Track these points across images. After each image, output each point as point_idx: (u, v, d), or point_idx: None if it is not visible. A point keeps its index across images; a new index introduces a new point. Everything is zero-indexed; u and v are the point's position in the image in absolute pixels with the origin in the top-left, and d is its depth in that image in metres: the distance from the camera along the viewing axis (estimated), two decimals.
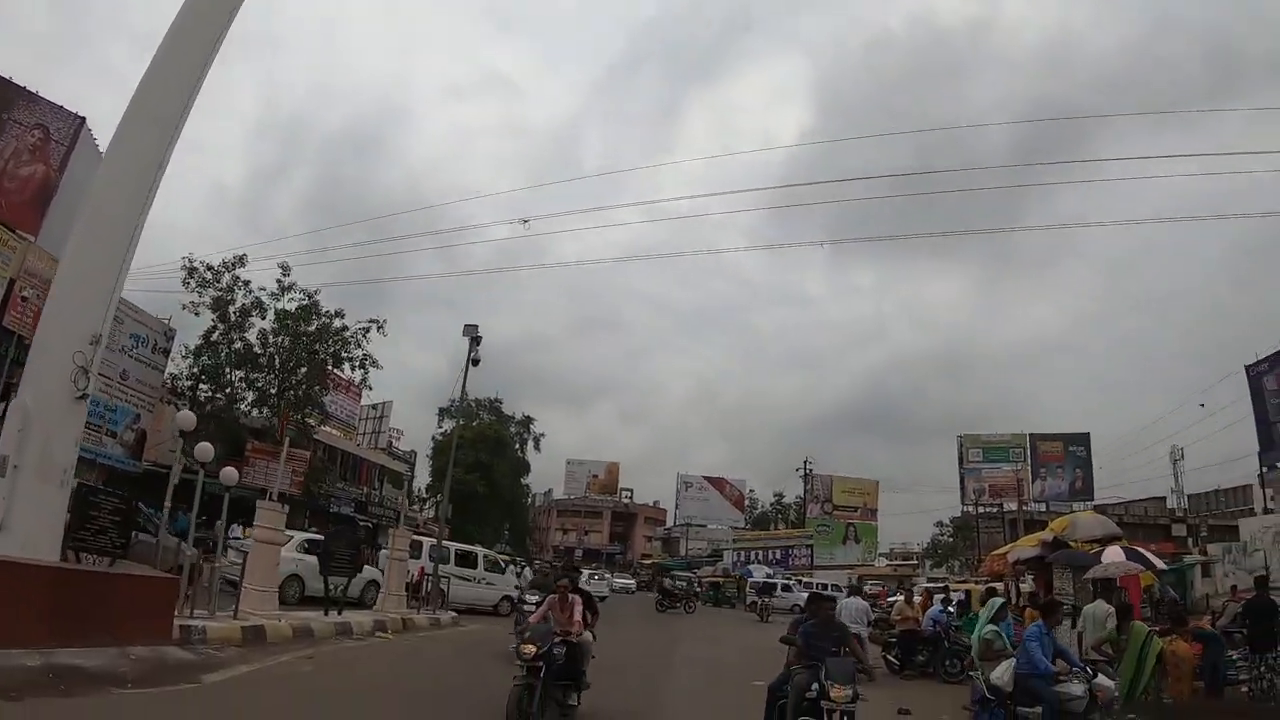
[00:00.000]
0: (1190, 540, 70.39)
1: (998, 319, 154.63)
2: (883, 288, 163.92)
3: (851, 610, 16.08)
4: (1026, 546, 21.66)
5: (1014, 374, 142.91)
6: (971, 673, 10.05)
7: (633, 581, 61.41)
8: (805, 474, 66.35)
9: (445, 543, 26.28)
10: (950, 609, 19.86)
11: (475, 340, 24.83)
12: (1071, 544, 19.06)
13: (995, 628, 9.96)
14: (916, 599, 19.92)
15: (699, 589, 47.84)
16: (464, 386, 25.43)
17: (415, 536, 26.11)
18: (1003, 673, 8.77)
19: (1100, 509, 68.94)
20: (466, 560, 25.78)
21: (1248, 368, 44.13)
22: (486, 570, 25.99)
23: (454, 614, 21.88)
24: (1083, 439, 68.69)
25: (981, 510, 62.32)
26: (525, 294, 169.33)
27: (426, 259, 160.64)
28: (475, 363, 24.72)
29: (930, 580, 60.11)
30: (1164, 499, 77.18)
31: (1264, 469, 43.06)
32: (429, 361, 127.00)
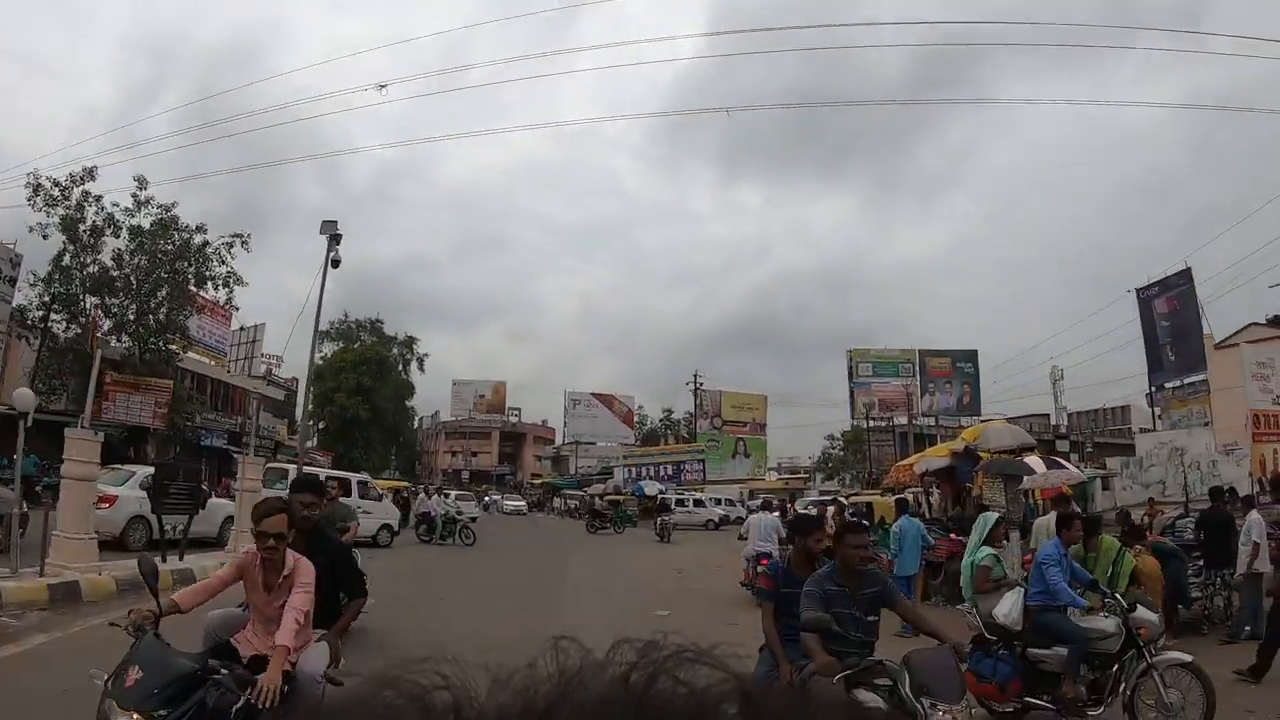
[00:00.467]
0: (1075, 456, 73.82)
1: (884, 240, 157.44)
2: (770, 207, 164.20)
3: (763, 528, 14.71)
4: (935, 457, 20.87)
5: (899, 294, 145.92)
6: (963, 608, 8.18)
7: (524, 502, 60.22)
8: (695, 388, 65.16)
9: (314, 470, 23.79)
10: (865, 523, 18.58)
11: (335, 239, 21.67)
12: (984, 454, 18.14)
13: (992, 551, 7.95)
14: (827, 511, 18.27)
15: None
16: (322, 288, 22.17)
17: (277, 465, 23.55)
18: (1009, 608, 7.04)
19: (986, 422, 71.16)
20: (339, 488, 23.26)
21: (1138, 290, 45.22)
22: (362, 498, 23.62)
23: None
24: (970, 356, 70.06)
25: (872, 424, 62.84)
26: (411, 216, 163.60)
27: (306, 181, 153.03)
28: (335, 264, 21.68)
29: (822, 493, 60.93)
30: (1047, 416, 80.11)
31: (1153, 388, 44.70)
32: (308, 284, 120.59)
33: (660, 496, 42.77)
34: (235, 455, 31.63)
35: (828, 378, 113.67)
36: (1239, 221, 58.71)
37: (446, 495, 27.84)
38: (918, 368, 68.64)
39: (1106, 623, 6.80)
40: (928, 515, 19.49)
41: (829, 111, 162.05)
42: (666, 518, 33.39)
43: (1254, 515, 11.30)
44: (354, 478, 24.67)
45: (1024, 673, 6.82)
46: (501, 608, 12.78)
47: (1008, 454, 17.90)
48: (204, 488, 19.59)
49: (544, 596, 14.62)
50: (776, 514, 16.94)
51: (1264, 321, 33.99)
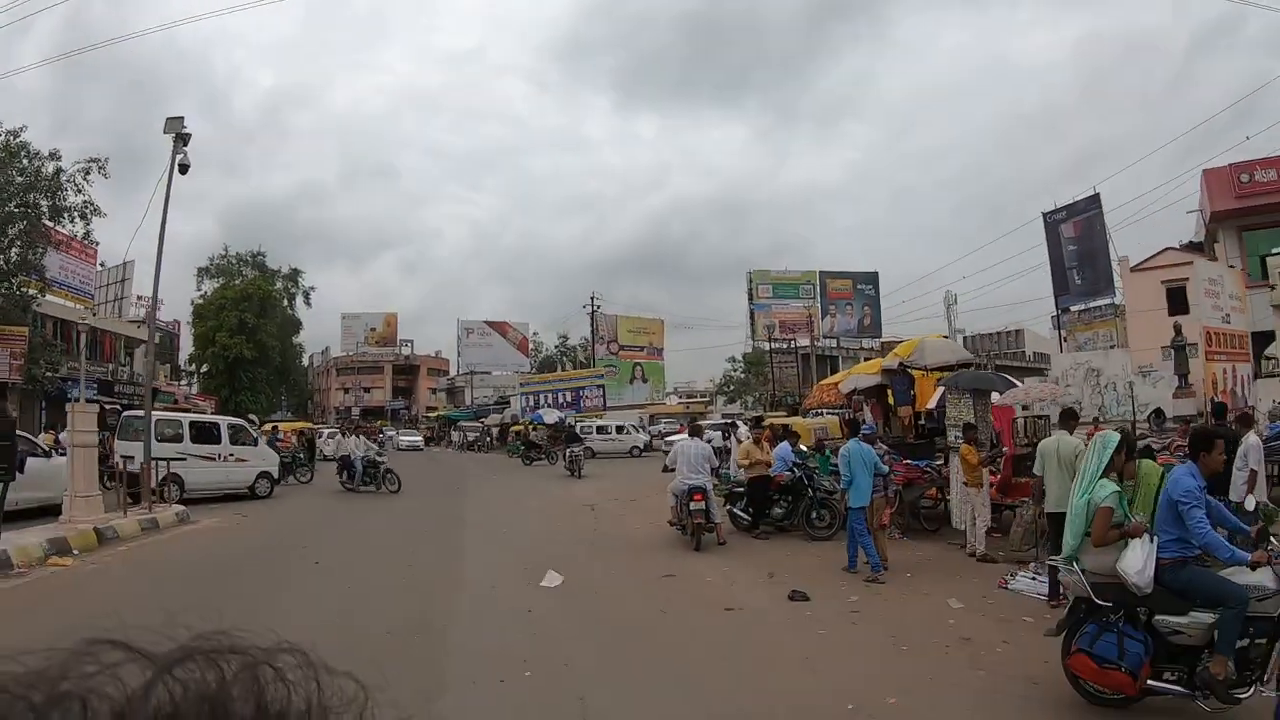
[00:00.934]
0: None
1: (781, 167, 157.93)
2: (666, 134, 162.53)
3: (693, 458, 13.04)
4: (865, 374, 19.68)
5: (795, 220, 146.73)
6: (1057, 562, 6.15)
7: (420, 437, 57.98)
8: (592, 310, 62.92)
9: (172, 415, 21.40)
10: (804, 447, 17.06)
11: (181, 138, 18.17)
12: (918, 370, 17.15)
13: (1115, 487, 5.71)
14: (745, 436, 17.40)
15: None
16: (168, 195, 18.51)
17: (135, 413, 20.92)
18: (1141, 562, 5.18)
19: (888, 345, 71.65)
20: (206, 435, 20.47)
21: (1045, 214, 45.53)
22: (234, 444, 21.16)
23: (181, 509, 16.20)
24: (871, 278, 70.18)
25: (774, 345, 62.32)
26: (299, 147, 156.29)
27: (189, 119, 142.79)
28: (184, 170, 18.43)
29: (724, 416, 60.28)
30: (946, 338, 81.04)
31: (1059, 311, 45.08)
32: (196, 226, 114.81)
33: (566, 425, 39.22)
34: (109, 407, 28.63)
35: (723, 303, 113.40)
36: (1147, 155, 59.25)
37: (367, 437, 25.40)
38: (818, 289, 68.29)
39: (1264, 576, 5.09)
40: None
41: (728, 39, 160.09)
42: (576, 449, 29.97)
43: (1251, 438, 10.13)
44: (223, 421, 22.22)
45: (1154, 649, 5.16)
46: (385, 571, 10.82)
47: (946, 370, 16.81)
48: (37, 446, 16.97)
49: (433, 552, 12.63)
50: (708, 442, 15.23)
51: (1178, 247, 34.60)
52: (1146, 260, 34.01)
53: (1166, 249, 33.91)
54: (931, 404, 17.43)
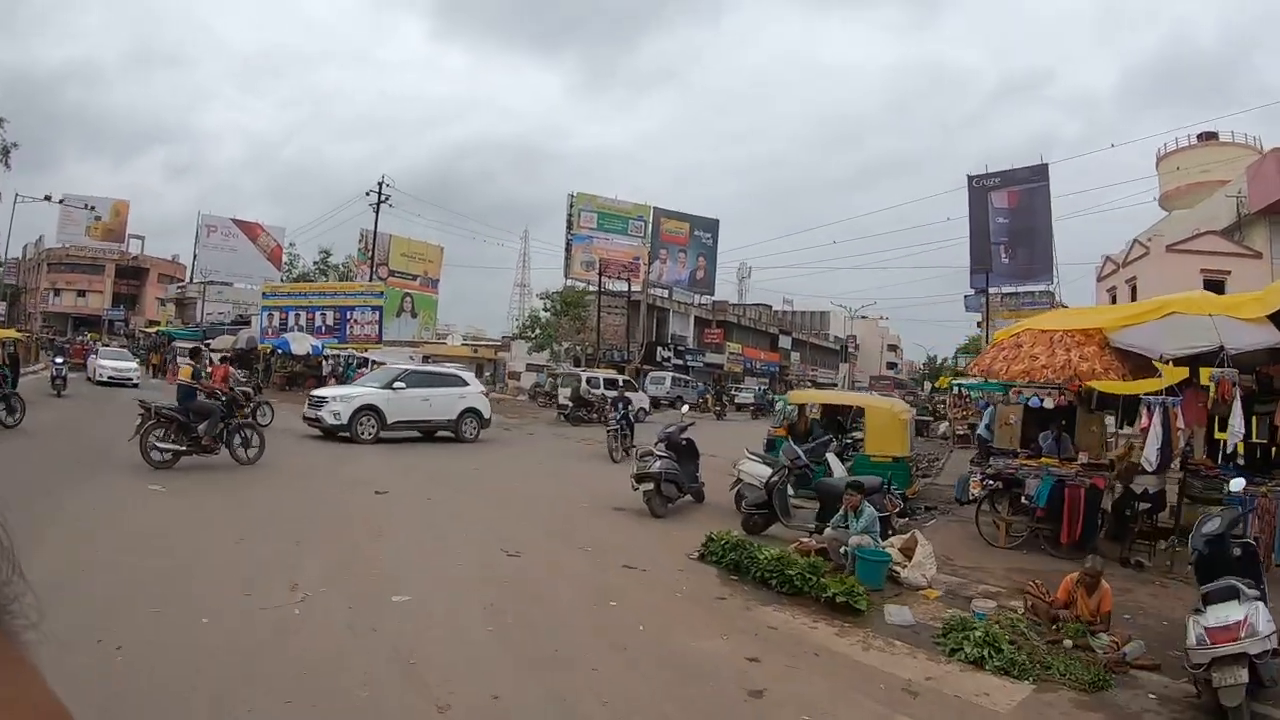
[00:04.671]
0: (797, 355, 70.75)
1: (586, 124, 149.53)
2: (477, 71, 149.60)
3: None
4: (1185, 313, 9.34)
5: (589, 179, 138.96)
6: None
7: (133, 363, 35.47)
8: (377, 203, 45.50)
9: None
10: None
11: None
12: None
13: None
14: None
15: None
16: None
17: None
18: None
19: (720, 306, 63.75)
20: None
21: (971, 177, 40.89)
22: None
23: None
24: (711, 226, 61.72)
25: (590, 287, 51.40)
26: (77, 14, 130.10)
27: None
28: None
29: (529, 366, 49.30)
30: (770, 306, 75.31)
31: (974, 290, 40.44)
32: None
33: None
34: None
35: (507, 252, 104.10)
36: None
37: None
38: (651, 227, 58.24)
39: None
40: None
41: None
42: (622, 410, 18.74)
43: None
44: None
45: None
46: None
47: None
48: None
49: None
50: None
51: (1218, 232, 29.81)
52: (1183, 241, 28.59)
53: (1207, 232, 28.43)
54: None
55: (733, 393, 48.40)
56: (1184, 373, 10.27)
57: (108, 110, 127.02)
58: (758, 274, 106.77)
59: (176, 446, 11.80)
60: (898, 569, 8.33)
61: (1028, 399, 12.12)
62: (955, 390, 29.61)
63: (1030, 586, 7.36)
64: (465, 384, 20.49)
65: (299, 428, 18.09)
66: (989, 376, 11.08)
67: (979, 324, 40.34)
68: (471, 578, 7.27)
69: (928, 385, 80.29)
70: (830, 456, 10.99)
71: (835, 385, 60.39)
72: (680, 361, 51.55)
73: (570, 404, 29.59)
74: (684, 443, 11.86)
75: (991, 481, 10.85)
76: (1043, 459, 11.49)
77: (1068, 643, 6.53)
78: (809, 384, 61.40)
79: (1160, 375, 10.70)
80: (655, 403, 36.05)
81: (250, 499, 10.13)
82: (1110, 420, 14.10)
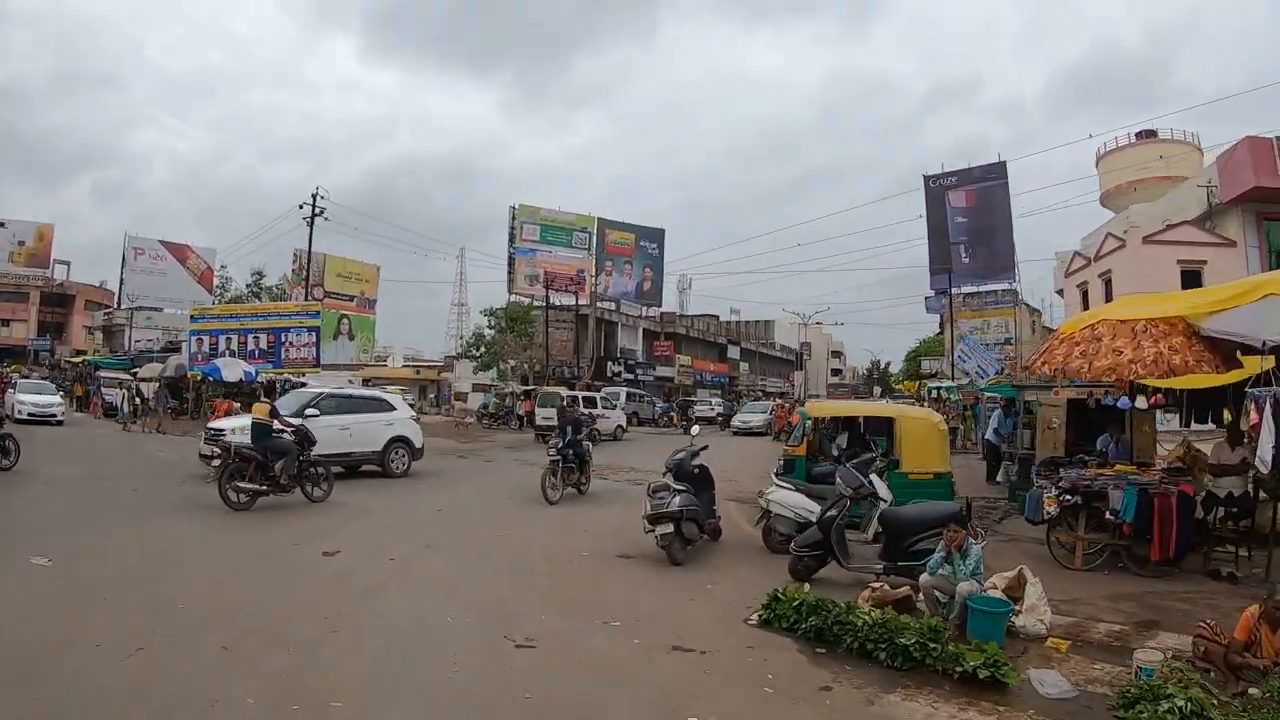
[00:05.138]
0: (747, 365, 69.85)
1: (521, 139, 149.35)
2: (409, 90, 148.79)
3: None
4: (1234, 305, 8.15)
5: (525, 195, 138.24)
6: None
7: (57, 398, 29.05)
8: (311, 216, 41.95)
9: None
10: None
11: None
12: None
13: None
14: None
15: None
16: None
17: None
18: None
19: (669, 317, 62.29)
20: None
21: (927, 178, 40.15)
22: None
23: None
24: (657, 236, 60.20)
25: (536, 302, 49.37)
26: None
27: None
28: None
29: (476, 386, 47.09)
30: (717, 316, 74.26)
31: (934, 291, 39.94)
32: None
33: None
34: None
35: (444, 272, 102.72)
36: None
37: None
38: (595, 239, 56.40)
39: None
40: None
41: (497, 5, 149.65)
42: (579, 436, 14.67)
43: None
44: None
45: None
46: None
47: None
48: None
49: None
50: None
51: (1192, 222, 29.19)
52: (1159, 232, 28.14)
53: (1183, 223, 28.02)
54: None
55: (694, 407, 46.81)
56: (1270, 362, 8.86)
57: (35, 133, 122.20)
58: (699, 283, 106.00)
59: (256, 486, 11.66)
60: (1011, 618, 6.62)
61: (1115, 399, 10.51)
62: (933, 394, 28.35)
63: (1202, 628, 5.74)
64: (392, 408, 17.47)
65: (197, 466, 15.37)
66: (1069, 375, 9.41)
67: (940, 324, 39.55)
68: (481, 698, 5.00)
69: (877, 390, 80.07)
70: (874, 478, 9.13)
71: (785, 395, 59.01)
72: (631, 376, 49.82)
73: (555, 426, 27.68)
74: (696, 470, 9.83)
75: (1069, 496, 9.29)
76: (1116, 465, 10.01)
77: (1254, 692, 5.15)
78: (759, 395, 60.22)
79: (1242, 366, 9.31)
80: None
81: (159, 575, 7.67)
82: (1168, 418, 12.70)
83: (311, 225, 39.70)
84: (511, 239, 55.00)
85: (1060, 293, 36.23)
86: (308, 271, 47.94)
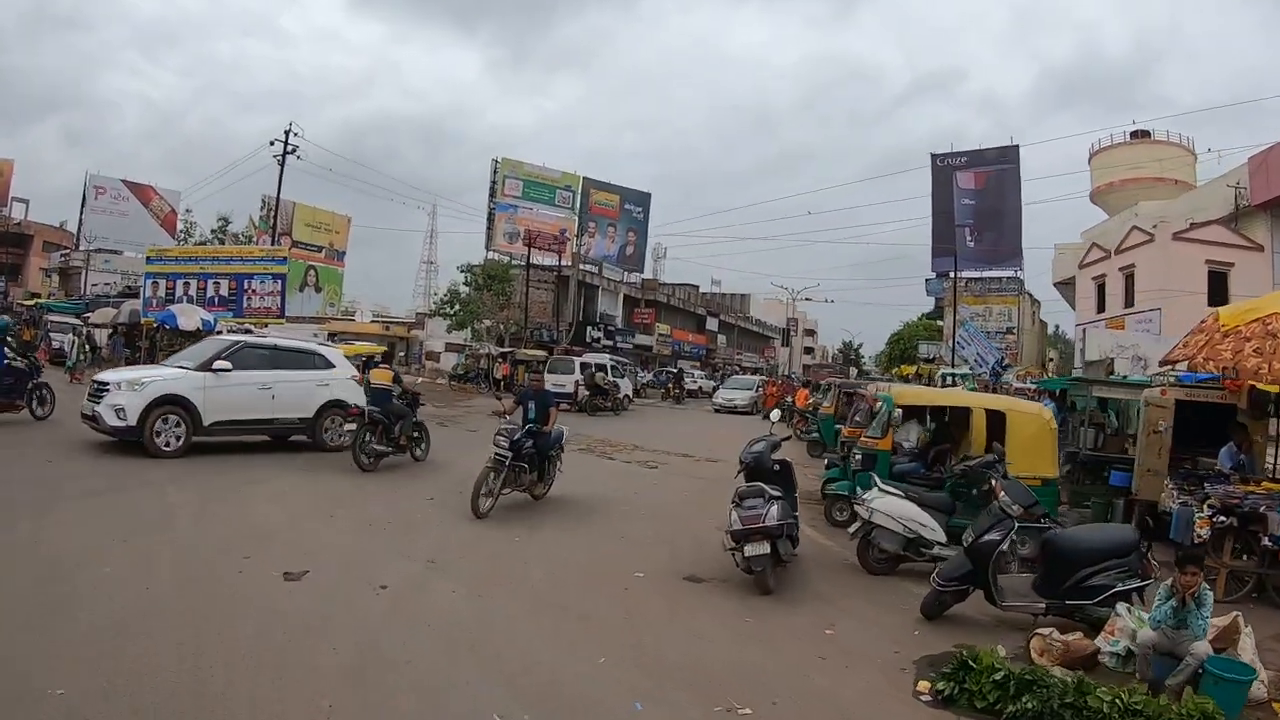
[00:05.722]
0: (724, 338, 68.37)
1: (499, 102, 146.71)
2: (390, 43, 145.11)
3: None
4: None
5: (487, 159, 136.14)
6: None
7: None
8: (283, 154, 39.41)
9: None
10: None
11: None
12: None
13: None
14: None
15: None
16: None
17: None
18: None
19: (650, 284, 60.52)
20: None
21: (935, 156, 39.12)
22: None
23: None
24: (643, 199, 58.49)
25: (516, 260, 47.39)
26: None
27: None
28: None
29: (448, 346, 45.19)
30: (697, 286, 72.77)
31: (935, 274, 39.23)
32: None
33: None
34: None
35: (414, 228, 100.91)
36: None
37: None
38: (580, 199, 54.39)
39: None
40: None
41: None
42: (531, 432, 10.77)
43: None
44: None
45: None
46: None
47: None
48: None
49: None
50: None
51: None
52: (1188, 230, 27.14)
53: (1211, 222, 27.01)
54: None
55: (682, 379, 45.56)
56: None
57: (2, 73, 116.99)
58: (674, 251, 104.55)
59: (383, 448, 12.18)
60: None
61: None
62: (948, 381, 26.85)
63: None
64: (329, 364, 14.06)
65: (84, 433, 12.16)
66: (1243, 376, 7.88)
67: (938, 306, 38.52)
68: None
69: (853, 371, 79.05)
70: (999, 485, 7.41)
71: (773, 370, 57.69)
72: (610, 342, 48.06)
73: (588, 391, 29.09)
74: (776, 468, 7.83)
75: (1224, 518, 7.81)
76: (1263, 483, 8.55)
77: None
78: (737, 369, 58.86)
79: None
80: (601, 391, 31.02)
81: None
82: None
83: (283, 165, 37.12)
84: (492, 193, 52.74)
85: (1060, 285, 35.37)
86: (275, 218, 45.35)
